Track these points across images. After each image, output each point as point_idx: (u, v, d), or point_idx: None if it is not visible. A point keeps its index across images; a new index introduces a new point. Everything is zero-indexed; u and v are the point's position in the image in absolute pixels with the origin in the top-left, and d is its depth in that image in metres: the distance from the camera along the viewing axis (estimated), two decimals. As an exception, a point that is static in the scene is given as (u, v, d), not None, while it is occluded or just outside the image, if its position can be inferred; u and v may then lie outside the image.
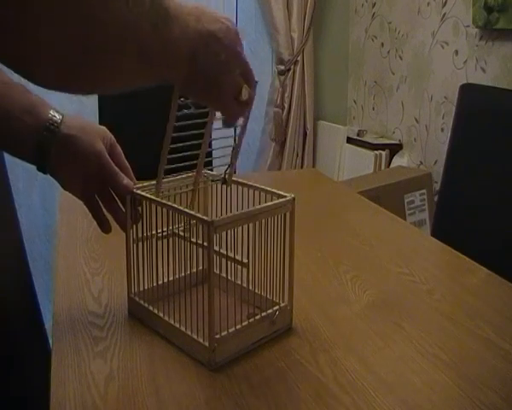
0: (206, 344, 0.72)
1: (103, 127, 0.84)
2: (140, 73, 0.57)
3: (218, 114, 0.71)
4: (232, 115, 0.69)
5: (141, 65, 0.56)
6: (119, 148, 0.85)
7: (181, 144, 0.78)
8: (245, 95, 0.65)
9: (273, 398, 0.68)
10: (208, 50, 0.59)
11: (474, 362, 0.76)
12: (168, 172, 0.81)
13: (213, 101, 0.65)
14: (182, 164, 0.80)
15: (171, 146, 0.76)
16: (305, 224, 0.83)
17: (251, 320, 0.77)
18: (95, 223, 0.86)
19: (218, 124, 0.91)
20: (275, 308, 0.80)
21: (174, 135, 0.75)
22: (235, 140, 0.85)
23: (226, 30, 0.61)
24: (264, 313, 0.79)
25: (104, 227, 0.86)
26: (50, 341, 0.83)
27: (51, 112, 0.78)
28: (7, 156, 0.99)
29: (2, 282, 1.00)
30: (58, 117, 0.78)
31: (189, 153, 0.81)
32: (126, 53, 0.54)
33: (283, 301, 0.82)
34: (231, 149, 0.82)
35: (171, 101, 0.71)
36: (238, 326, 0.75)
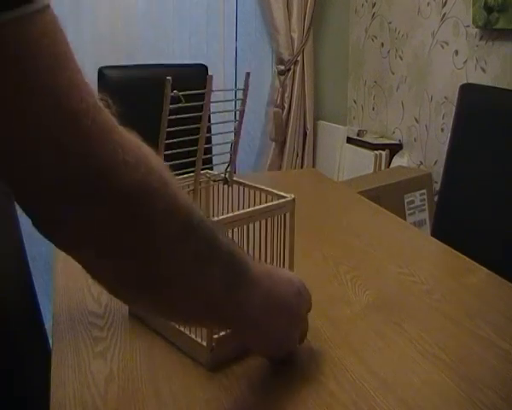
0: (205, 344, 0.72)
1: None
2: (206, 322, 0.58)
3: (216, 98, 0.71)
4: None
5: (209, 317, 0.56)
6: None
7: (177, 140, 0.78)
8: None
9: (273, 398, 0.68)
10: (274, 316, 0.61)
11: (474, 362, 0.76)
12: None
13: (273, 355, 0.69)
14: (179, 161, 0.80)
15: (168, 141, 0.76)
16: (305, 224, 0.83)
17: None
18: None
19: (215, 119, 0.91)
20: None
21: (171, 130, 0.75)
22: (234, 135, 0.85)
23: (298, 295, 0.64)
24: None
25: None
26: (50, 341, 0.83)
27: None
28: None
29: (2, 282, 1.00)
30: None
31: (186, 149, 0.81)
32: (194, 307, 0.53)
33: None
34: (230, 145, 0.82)
35: (164, 95, 0.71)
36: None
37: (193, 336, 0.74)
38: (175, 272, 0.48)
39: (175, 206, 0.47)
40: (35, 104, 0.39)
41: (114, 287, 0.50)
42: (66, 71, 0.42)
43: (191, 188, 0.86)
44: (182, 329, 0.76)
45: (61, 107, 0.40)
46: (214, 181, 0.87)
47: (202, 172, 0.87)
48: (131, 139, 0.45)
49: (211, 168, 0.91)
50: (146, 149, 0.46)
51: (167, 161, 0.79)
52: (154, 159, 0.46)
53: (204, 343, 0.72)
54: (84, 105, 0.41)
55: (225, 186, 0.86)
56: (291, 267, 0.80)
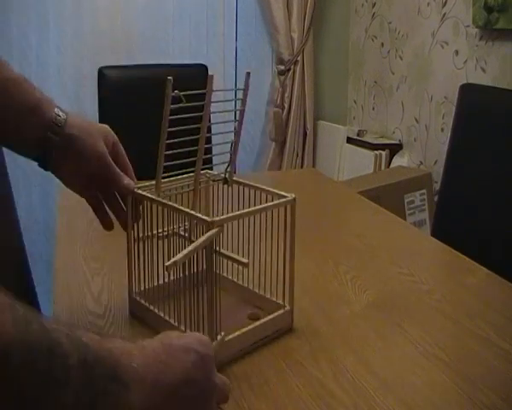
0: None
1: (106, 126, 0.84)
2: None
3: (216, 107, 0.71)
4: None
5: None
6: (121, 147, 0.85)
7: (177, 140, 0.78)
8: None
9: (273, 398, 0.68)
10: (176, 403, 0.50)
11: (474, 362, 0.76)
12: (168, 169, 0.81)
13: None
14: (180, 161, 0.80)
15: (168, 141, 0.76)
16: (305, 224, 0.83)
17: (254, 325, 0.77)
18: (95, 223, 0.86)
19: (215, 119, 0.91)
20: (277, 313, 0.80)
21: (171, 130, 0.75)
22: (234, 135, 0.85)
23: (198, 362, 0.53)
24: (266, 318, 0.79)
25: (106, 224, 0.86)
26: (50, 341, 0.83)
27: (56, 110, 0.77)
28: (7, 156, 0.99)
29: (2, 282, 1.00)
30: (62, 116, 0.78)
31: (187, 149, 0.81)
32: None
33: (284, 302, 0.82)
34: (230, 145, 0.82)
35: (164, 95, 0.71)
36: (238, 332, 0.75)
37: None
38: None
39: None
40: None
41: None
42: None
43: (191, 188, 0.86)
44: (183, 328, 0.76)
45: None
46: (214, 181, 0.87)
47: (202, 172, 0.87)
48: None
49: (211, 168, 0.91)
50: None
51: (168, 161, 0.79)
52: None
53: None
54: None
55: (225, 186, 0.86)
56: (292, 267, 0.80)
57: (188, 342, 0.54)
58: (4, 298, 0.37)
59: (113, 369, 0.44)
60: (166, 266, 0.63)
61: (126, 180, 0.82)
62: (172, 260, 0.63)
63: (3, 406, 0.35)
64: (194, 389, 0.51)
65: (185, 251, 0.65)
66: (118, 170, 0.82)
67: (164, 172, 0.81)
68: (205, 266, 0.70)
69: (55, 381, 0.38)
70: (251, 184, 0.83)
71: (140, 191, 0.80)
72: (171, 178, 0.84)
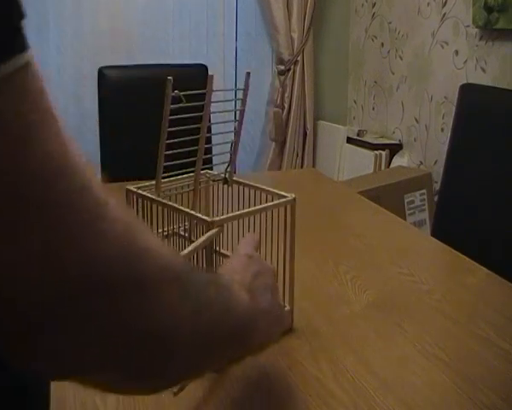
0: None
1: None
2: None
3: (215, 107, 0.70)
4: None
5: (218, 355, 0.54)
6: None
7: (177, 140, 0.78)
8: None
9: (273, 398, 0.68)
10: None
11: (474, 362, 0.76)
12: (168, 169, 0.81)
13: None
14: (180, 161, 0.80)
15: (168, 141, 0.76)
16: (305, 224, 0.83)
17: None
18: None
19: (215, 119, 0.91)
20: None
21: (172, 130, 0.75)
22: (234, 135, 0.85)
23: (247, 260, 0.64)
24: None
25: None
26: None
27: None
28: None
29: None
30: None
31: (187, 149, 0.81)
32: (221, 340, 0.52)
33: (284, 302, 0.82)
34: (230, 145, 0.82)
35: (164, 94, 0.71)
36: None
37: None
38: (185, 338, 0.46)
39: (171, 277, 0.44)
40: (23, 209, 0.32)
41: (128, 390, 0.48)
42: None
43: (191, 188, 0.86)
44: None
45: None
46: (214, 181, 0.87)
47: (202, 172, 0.87)
48: (118, 217, 0.39)
49: (211, 168, 0.91)
50: (132, 223, 0.41)
51: (168, 161, 0.79)
52: (141, 232, 0.41)
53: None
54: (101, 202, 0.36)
55: (225, 186, 0.86)
56: (292, 267, 0.80)
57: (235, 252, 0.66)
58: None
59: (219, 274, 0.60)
60: None
61: None
62: None
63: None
64: (262, 278, 0.63)
65: (185, 251, 0.65)
66: None
67: (164, 172, 0.80)
68: (205, 266, 0.70)
69: (202, 283, 0.50)
70: (251, 184, 0.83)
71: (140, 191, 0.80)
72: (171, 179, 0.84)
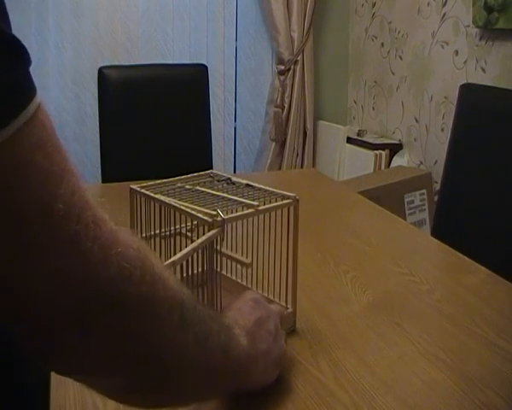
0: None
1: None
2: (208, 392, 0.58)
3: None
4: None
5: (212, 387, 0.57)
6: None
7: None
8: None
9: (273, 398, 0.68)
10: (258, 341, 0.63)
11: (474, 362, 0.76)
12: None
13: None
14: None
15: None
16: (305, 224, 0.83)
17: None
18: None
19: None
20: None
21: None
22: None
23: (253, 305, 0.67)
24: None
25: None
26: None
27: None
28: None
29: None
30: None
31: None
32: (202, 384, 0.54)
33: (286, 303, 0.82)
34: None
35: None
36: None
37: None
38: (183, 362, 0.49)
39: (174, 301, 0.47)
40: (29, 234, 0.36)
41: (126, 398, 0.50)
42: (59, 188, 0.37)
43: (194, 188, 0.86)
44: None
45: (58, 234, 0.37)
46: (218, 181, 0.87)
47: (207, 171, 0.87)
48: (129, 242, 0.43)
49: (211, 167, 0.91)
50: (142, 247, 0.44)
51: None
52: (151, 257, 0.45)
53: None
54: (81, 226, 0.38)
55: (225, 185, 0.86)
56: (294, 269, 0.80)
57: (243, 297, 0.69)
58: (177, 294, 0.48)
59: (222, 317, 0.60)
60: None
61: None
62: (171, 260, 0.63)
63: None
64: (265, 324, 0.65)
65: (184, 251, 0.65)
66: None
67: (164, 173, 0.80)
68: (207, 267, 0.70)
69: (204, 317, 0.53)
70: (253, 184, 0.83)
71: (144, 190, 0.80)
72: (172, 179, 0.84)
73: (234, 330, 0.59)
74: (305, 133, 2.98)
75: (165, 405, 0.52)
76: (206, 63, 2.14)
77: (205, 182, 0.86)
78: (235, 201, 0.76)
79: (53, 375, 0.71)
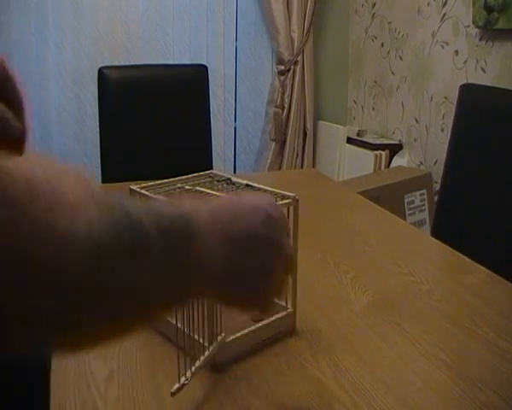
0: (206, 344, 0.72)
1: None
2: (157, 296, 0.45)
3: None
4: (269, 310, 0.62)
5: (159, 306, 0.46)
6: (16, 84, 0.63)
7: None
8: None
9: (273, 398, 0.68)
10: (244, 255, 0.51)
11: (474, 362, 0.76)
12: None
13: (254, 306, 0.57)
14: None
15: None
16: (304, 224, 0.83)
17: (256, 326, 0.77)
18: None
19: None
20: (280, 315, 0.80)
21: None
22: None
23: (267, 221, 0.53)
24: (268, 320, 0.79)
25: None
26: (50, 341, 0.83)
27: None
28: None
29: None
30: None
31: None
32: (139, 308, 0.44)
33: (286, 304, 0.82)
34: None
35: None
36: (239, 334, 0.75)
37: (196, 337, 0.74)
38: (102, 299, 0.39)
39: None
40: None
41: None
42: None
43: (194, 188, 0.86)
44: (183, 328, 0.76)
45: None
46: (218, 181, 0.87)
47: (207, 172, 0.87)
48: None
49: (211, 167, 0.91)
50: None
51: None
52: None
53: (205, 344, 0.72)
54: None
55: (227, 186, 0.86)
56: (294, 267, 0.80)
57: (256, 201, 0.54)
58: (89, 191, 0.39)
59: (186, 223, 0.46)
60: None
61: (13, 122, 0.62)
62: None
63: (100, 290, 0.38)
64: (261, 244, 0.52)
65: None
66: None
67: (164, 173, 0.80)
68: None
69: (140, 257, 0.41)
70: (253, 184, 0.83)
71: (143, 191, 0.80)
72: (172, 179, 0.84)
73: (200, 233, 0.47)
74: (305, 133, 2.98)
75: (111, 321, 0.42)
76: (206, 63, 2.14)
77: (205, 182, 0.86)
78: None
79: (53, 375, 0.71)
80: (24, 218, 0.34)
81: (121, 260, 0.40)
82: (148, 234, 0.42)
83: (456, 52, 2.27)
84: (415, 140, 2.57)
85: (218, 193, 0.76)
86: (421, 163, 2.52)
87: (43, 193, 0.35)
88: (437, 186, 2.29)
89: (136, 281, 0.42)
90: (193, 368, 0.66)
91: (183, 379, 0.64)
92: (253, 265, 0.52)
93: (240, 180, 0.85)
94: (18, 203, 0.34)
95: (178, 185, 0.84)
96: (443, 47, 2.35)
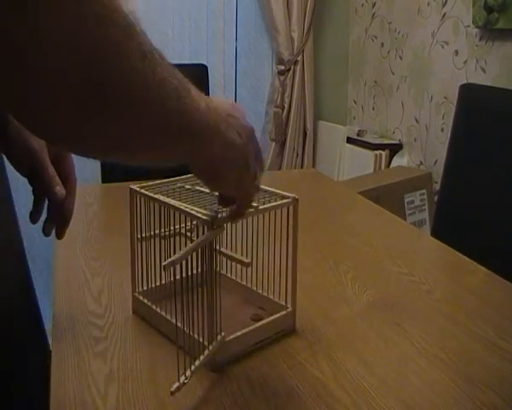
0: (206, 344, 0.72)
1: None
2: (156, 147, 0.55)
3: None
4: (248, 204, 0.69)
5: (165, 137, 0.55)
6: (70, 158, 0.79)
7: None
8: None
9: (273, 398, 0.68)
10: (224, 125, 0.60)
11: (474, 362, 0.76)
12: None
13: (235, 188, 0.65)
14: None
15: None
16: (305, 224, 0.83)
17: (255, 326, 0.77)
18: (95, 223, 0.86)
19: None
20: (279, 314, 0.80)
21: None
22: None
23: (233, 108, 0.63)
24: (267, 320, 0.79)
25: (32, 219, 0.82)
26: (50, 341, 0.83)
27: None
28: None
29: (2, 282, 1.00)
30: None
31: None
32: (152, 121, 0.53)
33: (286, 303, 0.82)
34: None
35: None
36: (239, 333, 0.75)
37: (195, 337, 0.74)
38: (141, 93, 0.51)
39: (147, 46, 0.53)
40: None
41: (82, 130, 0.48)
42: None
43: (194, 188, 0.85)
44: (185, 328, 0.76)
45: None
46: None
47: None
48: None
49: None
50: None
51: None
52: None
53: (205, 343, 0.72)
54: None
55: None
56: (294, 268, 0.81)
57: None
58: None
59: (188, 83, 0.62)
60: (164, 266, 0.63)
61: (57, 187, 0.75)
62: (170, 259, 0.63)
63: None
64: (237, 120, 0.62)
65: (183, 251, 0.65)
66: (51, 173, 0.76)
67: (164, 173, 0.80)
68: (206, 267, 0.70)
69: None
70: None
71: (143, 191, 0.80)
72: (172, 179, 0.84)
73: (194, 96, 0.59)
74: (305, 133, 2.98)
75: (118, 142, 0.50)
76: (206, 63, 2.14)
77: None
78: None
79: (53, 375, 0.71)
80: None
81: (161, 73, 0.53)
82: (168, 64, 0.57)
83: (456, 52, 2.27)
84: (415, 140, 2.57)
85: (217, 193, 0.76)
86: (421, 163, 2.52)
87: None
88: (437, 186, 2.29)
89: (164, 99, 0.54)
90: (192, 367, 0.66)
91: (182, 378, 0.64)
92: (232, 135, 0.60)
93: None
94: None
95: (178, 185, 0.84)
96: (443, 47, 2.35)
